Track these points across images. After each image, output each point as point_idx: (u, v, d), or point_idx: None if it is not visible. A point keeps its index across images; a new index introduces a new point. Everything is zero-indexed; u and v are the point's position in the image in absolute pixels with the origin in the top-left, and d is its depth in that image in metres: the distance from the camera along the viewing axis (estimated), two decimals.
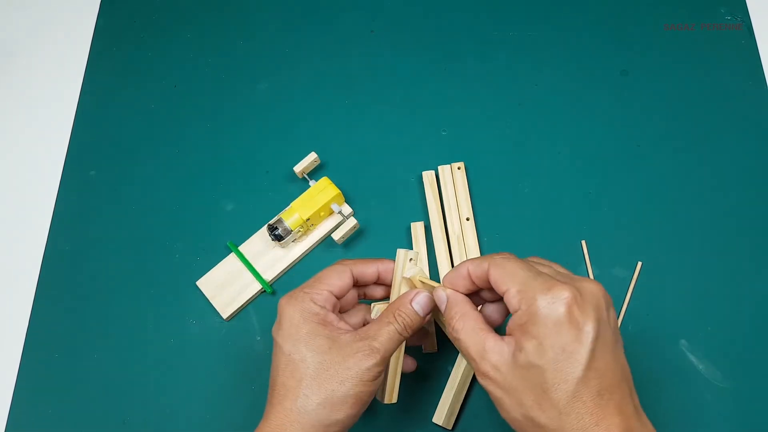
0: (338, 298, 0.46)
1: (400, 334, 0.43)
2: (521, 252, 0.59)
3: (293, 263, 0.59)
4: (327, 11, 0.72)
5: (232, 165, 0.64)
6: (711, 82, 0.65)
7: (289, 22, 0.72)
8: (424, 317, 0.44)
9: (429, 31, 0.70)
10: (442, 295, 0.43)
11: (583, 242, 0.58)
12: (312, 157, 0.61)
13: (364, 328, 0.44)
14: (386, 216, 0.61)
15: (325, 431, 0.41)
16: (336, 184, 0.58)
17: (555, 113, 0.65)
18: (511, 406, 0.38)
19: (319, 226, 0.60)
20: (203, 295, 0.58)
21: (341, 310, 0.48)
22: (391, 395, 0.47)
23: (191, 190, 0.64)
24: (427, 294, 0.45)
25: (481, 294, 0.44)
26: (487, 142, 0.64)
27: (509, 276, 0.39)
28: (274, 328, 0.45)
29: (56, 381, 0.57)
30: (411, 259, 0.46)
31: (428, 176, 0.61)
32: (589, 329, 0.37)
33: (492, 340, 0.39)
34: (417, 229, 0.59)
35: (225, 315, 0.57)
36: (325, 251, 0.60)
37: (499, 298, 0.42)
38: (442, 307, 0.43)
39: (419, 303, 0.44)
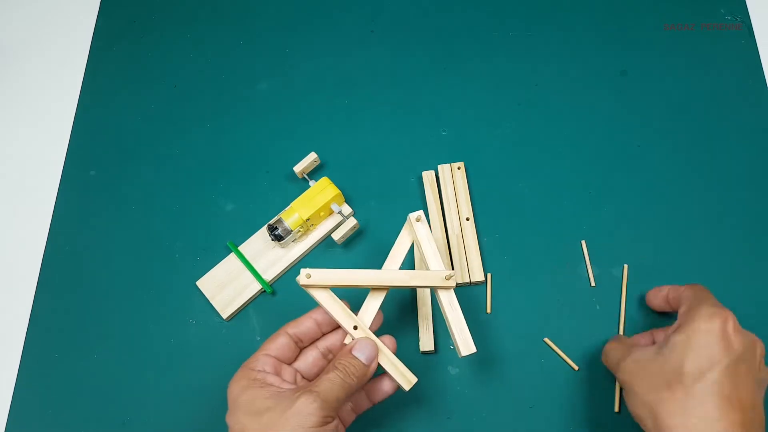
0: (282, 360, 0.46)
1: (343, 380, 0.42)
2: (521, 252, 0.59)
3: (293, 263, 0.59)
4: (327, 11, 0.72)
5: (232, 165, 0.64)
6: (711, 82, 0.65)
7: (289, 22, 0.72)
8: (369, 365, 0.44)
9: (429, 31, 0.70)
10: (371, 352, 0.45)
11: (583, 242, 0.58)
12: (312, 157, 0.61)
13: (313, 382, 0.43)
14: (386, 216, 0.61)
15: None
16: (336, 184, 0.58)
17: (555, 113, 0.65)
18: (643, 388, 0.43)
19: (319, 226, 0.60)
20: (203, 295, 0.58)
21: (308, 377, 0.47)
22: (406, 378, 0.46)
23: (191, 190, 0.64)
24: (370, 342, 0.45)
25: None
26: (487, 142, 0.64)
27: (686, 299, 0.46)
28: (227, 418, 0.44)
29: (56, 381, 0.57)
30: None
31: (428, 176, 0.61)
32: (738, 346, 0.41)
33: (643, 343, 0.49)
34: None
35: (225, 315, 0.57)
36: (325, 251, 0.60)
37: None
38: (369, 362, 0.44)
39: (361, 351, 0.44)
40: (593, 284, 0.57)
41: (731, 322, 0.41)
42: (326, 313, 0.47)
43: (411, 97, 0.67)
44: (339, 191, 0.58)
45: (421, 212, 0.50)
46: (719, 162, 0.61)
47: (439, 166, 0.62)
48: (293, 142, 0.65)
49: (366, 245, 0.60)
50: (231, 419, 0.42)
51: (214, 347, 0.57)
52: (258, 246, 0.59)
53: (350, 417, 0.48)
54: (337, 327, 0.48)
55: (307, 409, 0.40)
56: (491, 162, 0.63)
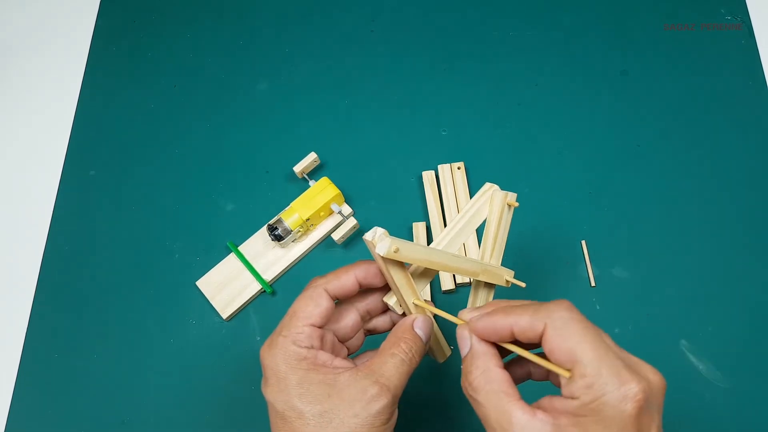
0: (323, 326, 0.39)
1: (408, 365, 0.38)
2: (521, 253, 0.59)
3: (293, 263, 0.59)
4: (327, 11, 0.72)
5: (232, 165, 0.64)
6: (711, 82, 0.65)
7: (289, 22, 0.72)
8: (427, 343, 0.40)
9: (429, 31, 0.70)
10: (466, 337, 0.36)
11: (583, 242, 0.58)
12: (312, 157, 0.61)
13: (367, 363, 0.38)
14: (386, 216, 0.61)
15: None
16: (336, 184, 0.58)
17: (555, 113, 0.65)
18: None
19: (319, 226, 0.60)
20: (203, 295, 0.58)
21: (342, 340, 0.42)
22: (443, 352, 0.44)
23: (191, 190, 0.63)
24: (428, 319, 0.40)
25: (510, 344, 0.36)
26: (487, 142, 0.64)
27: (573, 351, 0.32)
28: (262, 385, 0.38)
29: (56, 381, 0.57)
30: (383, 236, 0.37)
31: (428, 176, 0.61)
32: (651, 421, 0.31)
33: (520, 413, 0.32)
34: (418, 229, 0.59)
35: (225, 315, 0.57)
36: (325, 251, 0.60)
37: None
38: (464, 351, 0.36)
39: (422, 328, 0.39)
40: (593, 284, 0.57)
41: (644, 404, 0.31)
42: (391, 284, 0.40)
43: (411, 97, 0.67)
44: (339, 191, 0.58)
45: (515, 195, 0.43)
46: (719, 162, 0.61)
47: (439, 166, 0.62)
48: (293, 142, 0.65)
49: (366, 245, 0.60)
50: (278, 400, 0.36)
51: (214, 347, 0.57)
52: (258, 246, 0.59)
53: (358, 340, 0.43)
54: (377, 288, 0.42)
55: (377, 404, 0.35)
56: (491, 162, 0.63)
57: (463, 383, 0.36)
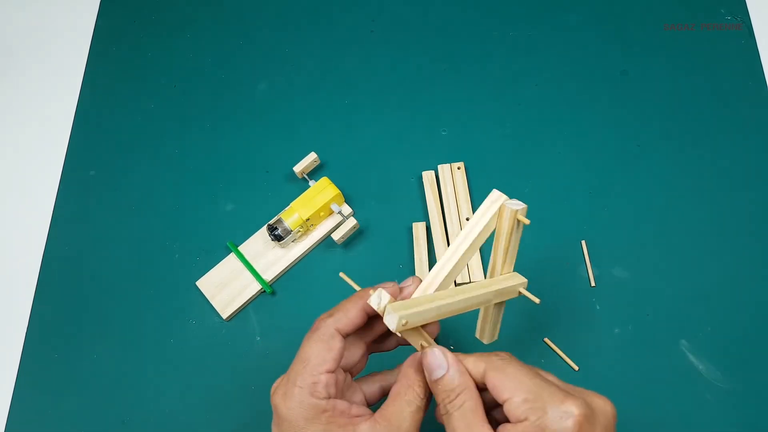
0: (336, 370, 0.39)
1: (424, 410, 0.38)
2: (521, 252, 0.59)
3: (293, 263, 0.59)
4: (327, 11, 0.72)
5: (232, 165, 0.64)
6: (711, 82, 0.65)
7: (289, 22, 0.72)
8: (438, 378, 0.39)
9: (429, 31, 0.70)
10: (442, 361, 0.38)
11: (583, 242, 0.58)
12: (312, 157, 0.61)
13: (383, 411, 0.38)
14: (386, 216, 0.61)
15: None
16: (336, 184, 0.58)
17: (555, 113, 0.65)
18: None
19: (319, 226, 0.60)
20: (203, 295, 0.58)
21: (352, 373, 0.42)
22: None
23: (191, 190, 0.63)
24: (438, 354, 0.39)
25: None
26: (487, 142, 0.64)
27: (514, 383, 0.35)
28: (273, 429, 0.38)
29: (56, 381, 0.57)
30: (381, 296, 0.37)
31: (428, 176, 0.61)
32: None
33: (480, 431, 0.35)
34: (418, 229, 0.59)
35: (225, 315, 0.57)
36: (325, 251, 0.60)
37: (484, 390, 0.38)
38: (438, 374, 0.37)
39: (429, 369, 0.38)
40: (593, 284, 0.57)
41: (585, 421, 0.34)
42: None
43: (411, 97, 0.67)
44: (339, 191, 0.58)
45: (525, 209, 0.42)
46: (719, 162, 0.61)
47: (439, 166, 0.62)
48: (293, 142, 0.65)
49: (366, 245, 0.60)
50: None
51: (214, 347, 0.57)
52: (258, 246, 0.59)
53: (362, 363, 0.43)
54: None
55: None
56: (491, 162, 0.63)
57: (442, 400, 0.37)
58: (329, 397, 0.37)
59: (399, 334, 0.39)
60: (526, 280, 0.44)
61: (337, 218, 0.60)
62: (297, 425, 0.36)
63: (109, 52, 0.72)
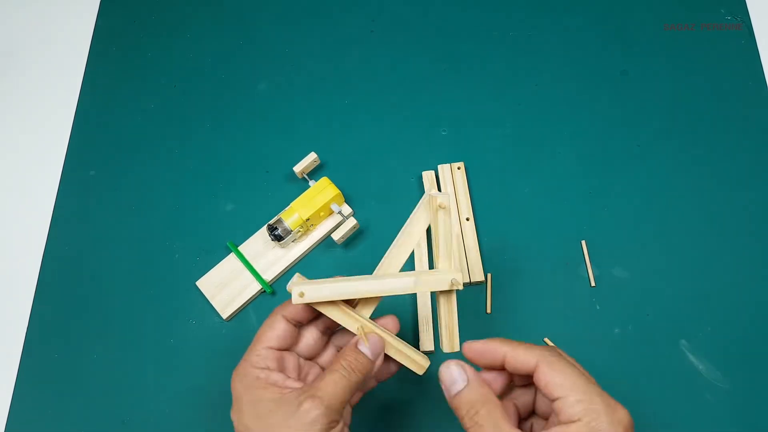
0: (283, 349, 0.43)
1: (348, 379, 0.40)
2: (521, 252, 0.59)
3: (293, 263, 0.59)
4: (327, 11, 0.72)
5: (232, 165, 0.64)
6: (711, 82, 0.65)
7: (289, 22, 0.72)
8: (375, 360, 0.42)
9: (429, 31, 0.70)
10: (459, 374, 0.39)
11: (583, 242, 0.58)
12: (312, 157, 0.61)
13: (314, 382, 0.41)
14: (386, 216, 0.61)
15: None
16: (336, 184, 0.58)
17: (555, 113, 0.65)
18: None
19: (319, 226, 0.60)
20: (203, 295, 0.58)
21: (309, 357, 0.45)
22: (419, 364, 0.45)
23: (191, 190, 0.64)
24: (376, 337, 0.43)
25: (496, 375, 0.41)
26: (487, 142, 0.64)
27: (569, 382, 0.36)
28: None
29: (56, 381, 0.57)
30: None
31: (428, 176, 0.61)
32: None
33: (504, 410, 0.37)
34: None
35: (225, 315, 0.57)
36: (325, 251, 0.60)
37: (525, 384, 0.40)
38: (456, 388, 0.39)
39: (367, 347, 0.42)
40: (593, 284, 0.57)
41: (631, 431, 0.36)
42: (330, 317, 0.44)
43: (411, 97, 0.67)
44: (339, 191, 0.58)
45: (448, 196, 0.45)
46: (719, 162, 0.61)
47: (439, 166, 0.62)
48: (293, 142, 0.65)
49: (366, 245, 0.60)
50: (235, 417, 0.41)
51: (214, 347, 0.57)
52: (258, 246, 0.59)
53: (356, 397, 0.46)
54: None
55: (311, 415, 0.38)
56: (491, 162, 0.63)
57: (466, 414, 0.38)
58: (266, 368, 0.41)
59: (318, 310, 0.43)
60: (461, 273, 0.45)
61: (337, 218, 0.60)
62: (237, 393, 0.41)
63: (109, 52, 0.72)
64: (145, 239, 0.61)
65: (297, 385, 0.41)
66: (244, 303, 0.58)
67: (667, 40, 0.68)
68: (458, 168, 0.61)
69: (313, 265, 0.60)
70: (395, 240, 0.45)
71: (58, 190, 0.65)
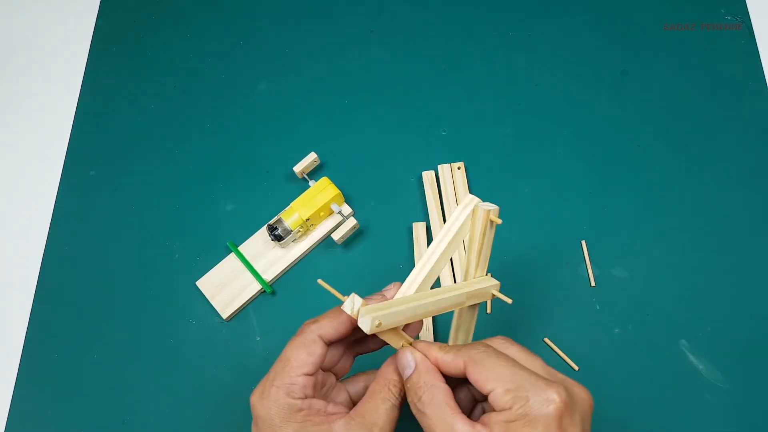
0: (315, 373, 0.40)
1: (398, 409, 0.39)
2: (521, 252, 0.59)
3: (293, 263, 0.59)
4: (327, 11, 0.72)
5: (232, 165, 0.64)
6: (711, 82, 0.65)
7: (289, 22, 0.72)
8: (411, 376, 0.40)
9: (429, 31, 0.70)
10: (410, 360, 0.39)
11: (583, 242, 0.58)
12: (312, 157, 0.61)
13: (358, 408, 0.39)
14: (386, 216, 0.61)
15: None
16: (336, 184, 0.58)
17: (555, 113, 0.65)
18: None
19: (319, 226, 0.60)
20: (203, 295, 0.58)
21: (337, 375, 0.43)
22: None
23: (191, 190, 0.64)
24: (410, 352, 0.40)
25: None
26: (487, 142, 0.64)
27: (494, 375, 0.36)
28: (253, 430, 0.39)
29: (56, 381, 0.57)
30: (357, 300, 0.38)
31: (428, 176, 0.61)
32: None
33: (461, 425, 0.36)
34: (418, 229, 0.59)
35: (225, 315, 0.57)
36: (325, 251, 0.60)
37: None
38: (407, 373, 0.39)
39: (401, 369, 0.40)
40: (593, 284, 0.57)
41: (565, 409, 0.35)
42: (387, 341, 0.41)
43: (411, 97, 0.67)
44: (339, 191, 0.58)
45: (497, 210, 0.43)
46: (719, 162, 0.61)
47: (439, 166, 0.62)
48: (293, 142, 0.65)
49: (366, 245, 0.60)
50: None
51: (214, 347, 0.57)
52: (258, 246, 0.59)
53: (347, 365, 0.44)
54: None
55: None
56: (491, 162, 0.63)
57: (412, 398, 0.38)
58: (305, 398, 0.38)
59: (377, 335, 0.39)
60: (498, 282, 0.45)
61: (337, 218, 0.60)
62: (272, 424, 0.37)
63: (109, 52, 0.72)
64: (145, 239, 0.62)
65: (340, 410, 0.39)
66: (244, 303, 0.58)
67: (667, 40, 0.68)
68: (458, 168, 0.61)
69: (313, 265, 0.60)
70: (432, 248, 0.42)
71: (58, 190, 0.65)
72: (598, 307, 0.56)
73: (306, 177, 0.61)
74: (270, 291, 0.58)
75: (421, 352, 0.40)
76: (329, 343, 0.41)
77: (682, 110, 0.64)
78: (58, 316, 0.59)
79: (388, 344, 0.41)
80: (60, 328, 0.59)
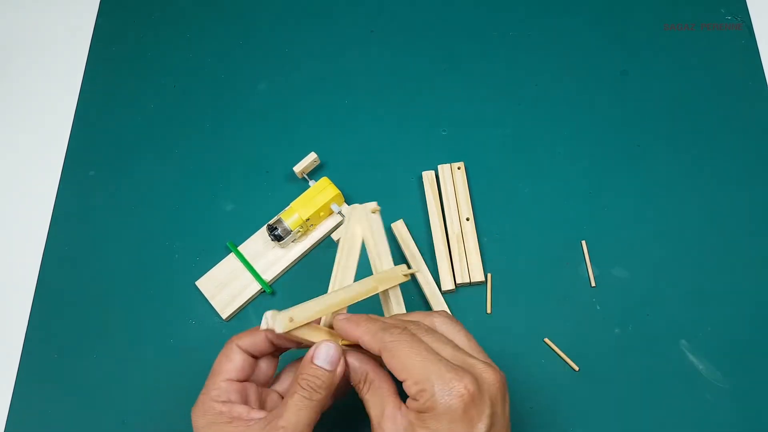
0: (243, 380, 0.42)
1: (310, 399, 0.39)
2: (521, 252, 0.59)
3: (293, 263, 0.59)
4: (327, 11, 0.72)
5: (232, 165, 0.64)
6: (711, 82, 0.65)
7: (289, 22, 0.72)
8: (335, 369, 0.40)
9: (429, 31, 0.70)
10: (334, 358, 0.40)
11: (583, 242, 0.58)
12: (312, 157, 0.61)
13: (277, 410, 0.39)
14: (386, 216, 0.60)
15: None
16: (336, 184, 0.58)
17: (555, 113, 0.65)
18: None
19: (318, 226, 0.60)
20: (203, 295, 0.58)
21: (268, 384, 0.45)
22: None
23: (191, 190, 0.63)
24: (331, 344, 0.40)
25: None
26: (487, 142, 0.64)
27: (404, 367, 0.37)
28: None
29: (55, 381, 0.57)
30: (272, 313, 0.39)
31: (428, 176, 0.61)
32: (482, 426, 0.36)
33: (390, 406, 0.38)
34: (398, 228, 0.59)
35: (224, 315, 0.57)
36: (325, 251, 0.60)
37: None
38: (332, 367, 0.40)
39: (322, 358, 0.40)
40: (593, 284, 0.57)
41: (470, 398, 0.36)
42: (307, 343, 0.42)
43: (411, 97, 0.67)
44: (339, 191, 0.58)
45: (374, 204, 0.49)
46: (719, 162, 0.61)
47: (439, 166, 0.62)
48: (293, 142, 0.65)
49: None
50: None
51: (214, 347, 0.56)
52: (258, 246, 0.59)
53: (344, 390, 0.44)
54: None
55: None
56: (491, 162, 0.63)
57: (356, 386, 0.41)
58: (228, 401, 0.40)
59: (295, 338, 0.41)
60: (405, 266, 0.47)
61: (337, 218, 0.60)
62: (199, 429, 0.40)
63: (109, 52, 0.72)
64: (145, 239, 0.61)
65: (261, 415, 0.40)
66: (244, 303, 0.58)
67: (667, 40, 0.68)
68: (458, 168, 0.61)
69: (313, 265, 0.59)
70: (337, 258, 0.46)
71: (58, 190, 0.65)
72: (598, 307, 0.56)
73: (306, 177, 0.61)
74: (270, 291, 0.58)
75: (344, 333, 0.41)
76: (256, 356, 0.43)
77: (682, 110, 0.64)
78: (58, 316, 0.59)
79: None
80: (60, 328, 0.58)
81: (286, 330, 0.39)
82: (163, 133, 0.67)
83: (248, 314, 0.58)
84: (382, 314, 0.47)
